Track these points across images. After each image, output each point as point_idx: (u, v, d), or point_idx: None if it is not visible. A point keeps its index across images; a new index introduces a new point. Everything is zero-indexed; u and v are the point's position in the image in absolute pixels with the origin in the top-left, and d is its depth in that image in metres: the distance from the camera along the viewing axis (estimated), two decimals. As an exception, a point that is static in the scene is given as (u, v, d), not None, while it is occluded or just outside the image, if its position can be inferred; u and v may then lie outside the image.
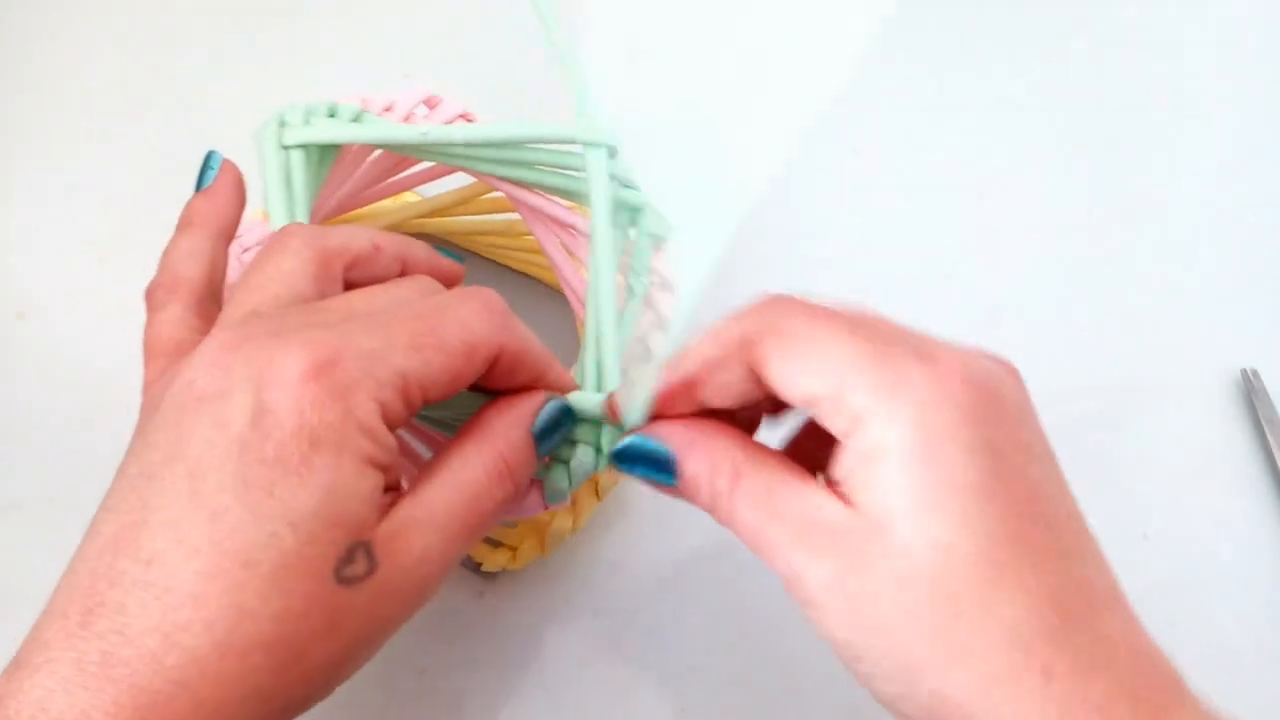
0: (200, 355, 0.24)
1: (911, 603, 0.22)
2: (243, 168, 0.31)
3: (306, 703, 0.23)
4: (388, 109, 0.34)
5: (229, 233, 0.29)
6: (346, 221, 0.41)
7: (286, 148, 0.31)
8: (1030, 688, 0.21)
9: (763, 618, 0.37)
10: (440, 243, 0.42)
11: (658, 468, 0.26)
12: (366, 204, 0.39)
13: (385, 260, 0.28)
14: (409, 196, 0.42)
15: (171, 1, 0.52)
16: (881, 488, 0.22)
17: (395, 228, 0.43)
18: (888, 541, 0.22)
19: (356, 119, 0.33)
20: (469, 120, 0.34)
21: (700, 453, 0.25)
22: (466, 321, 0.25)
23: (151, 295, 0.28)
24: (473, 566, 0.36)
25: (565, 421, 0.28)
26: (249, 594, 0.21)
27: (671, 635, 0.37)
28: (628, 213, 0.33)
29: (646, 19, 0.35)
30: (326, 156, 0.33)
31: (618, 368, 0.30)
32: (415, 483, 0.25)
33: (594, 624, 0.37)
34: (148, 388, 0.26)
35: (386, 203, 0.42)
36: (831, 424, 0.23)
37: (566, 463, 0.29)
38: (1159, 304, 0.44)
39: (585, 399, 0.29)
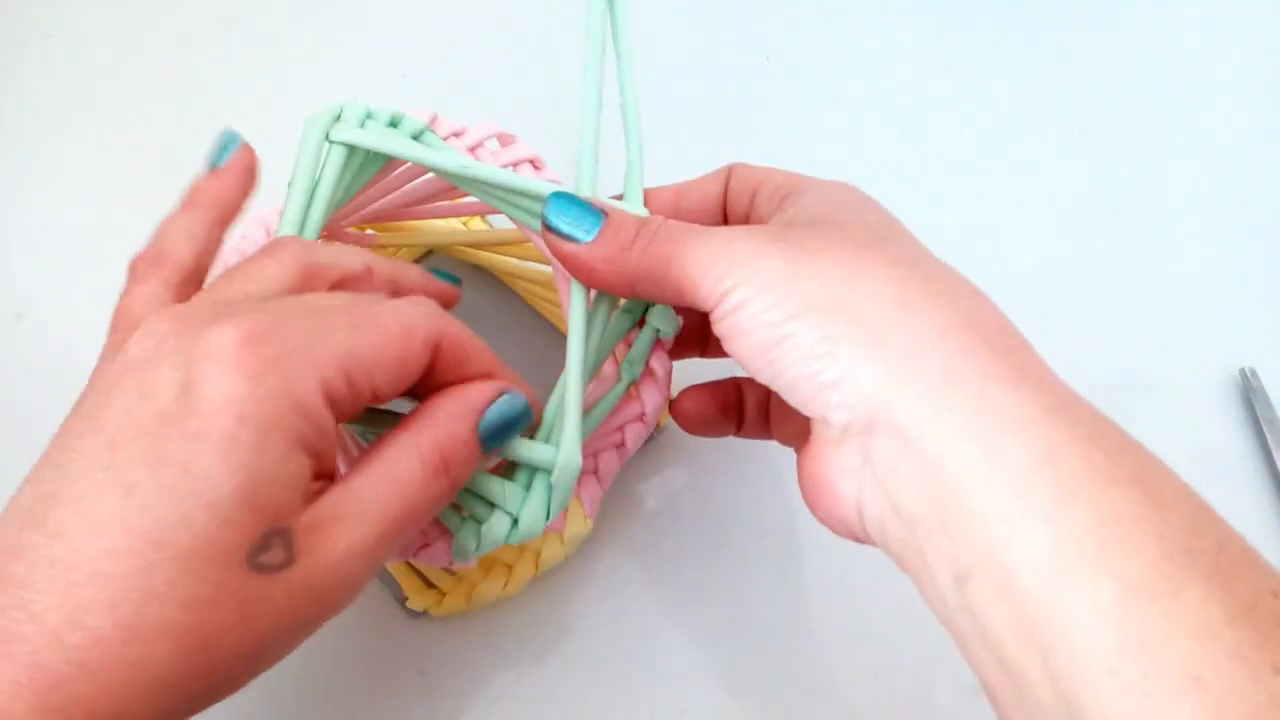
0: (142, 329, 0.23)
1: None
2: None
3: (213, 696, 0.22)
4: (457, 134, 0.33)
5: (229, 218, 0.29)
6: (389, 231, 0.41)
7: (331, 141, 0.31)
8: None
9: (763, 618, 0.37)
10: (458, 268, 0.42)
11: (586, 212, 0.28)
12: (415, 218, 0.38)
13: (377, 282, 0.28)
14: (459, 222, 0.42)
15: (172, 1, 0.52)
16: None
17: (441, 250, 0.43)
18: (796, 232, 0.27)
19: (416, 135, 0.32)
20: (537, 167, 0.34)
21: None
22: (401, 308, 0.25)
23: (135, 266, 0.27)
24: (399, 598, 0.36)
25: (519, 420, 0.27)
26: (157, 577, 0.20)
27: (672, 635, 0.37)
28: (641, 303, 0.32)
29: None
30: (372, 162, 0.32)
31: (577, 435, 0.29)
32: (348, 474, 0.24)
33: (594, 624, 0.37)
34: (103, 356, 0.25)
35: (437, 223, 0.42)
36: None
37: (480, 523, 0.29)
38: (1159, 304, 0.44)
39: (532, 448, 0.28)
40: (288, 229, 0.30)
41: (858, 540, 0.26)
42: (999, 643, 0.21)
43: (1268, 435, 0.40)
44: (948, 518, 0.22)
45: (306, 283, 0.26)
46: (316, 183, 0.31)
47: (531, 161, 0.34)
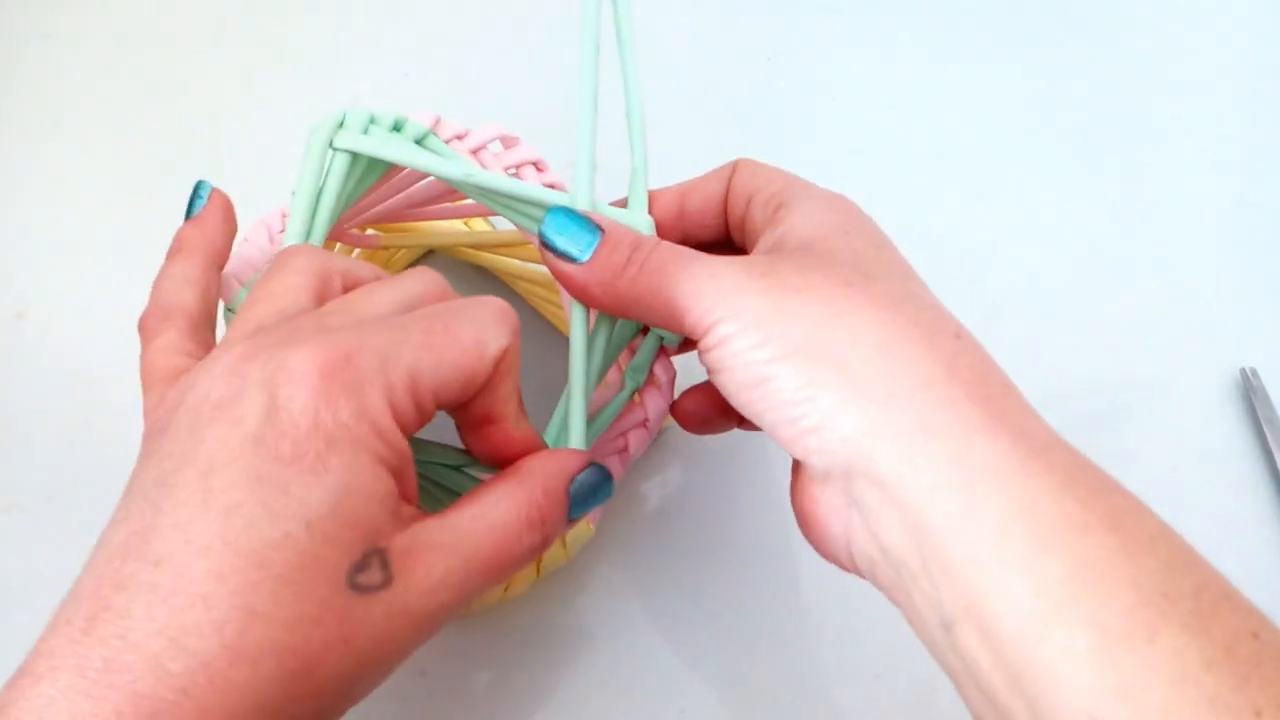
0: (213, 365, 0.23)
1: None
2: (243, 167, 0.31)
3: (318, 718, 0.22)
4: (460, 136, 0.33)
5: (220, 260, 0.29)
6: (394, 233, 0.41)
7: (334, 149, 0.31)
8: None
9: (763, 619, 0.37)
10: (460, 269, 0.42)
11: (584, 230, 0.28)
12: (417, 219, 0.38)
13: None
14: (461, 223, 0.42)
15: (172, 1, 0.52)
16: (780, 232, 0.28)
17: (443, 251, 0.43)
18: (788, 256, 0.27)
19: (419, 140, 0.32)
20: (539, 170, 0.34)
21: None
22: (478, 319, 0.25)
23: (144, 325, 0.27)
24: None
25: (604, 490, 0.27)
26: (262, 596, 0.20)
27: (671, 636, 0.37)
28: None
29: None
30: (375, 167, 0.32)
31: (582, 446, 0.29)
32: (447, 510, 0.24)
33: (595, 625, 0.37)
34: (149, 414, 0.25)
35: (439, 223, 0.42)
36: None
37: None
38: (1159, 304, 0.44)
39: None
40: (293, 238, 0.30)
41: (849, 573, 0.26)
42: (988, 686, 0.22)
43: (1268, 435, 0.40)
44: (930, 566, 0.23)
45: (326, 285, 0.26)
46: (320, 190, 0.31)
47: (535, 164, 0.34)
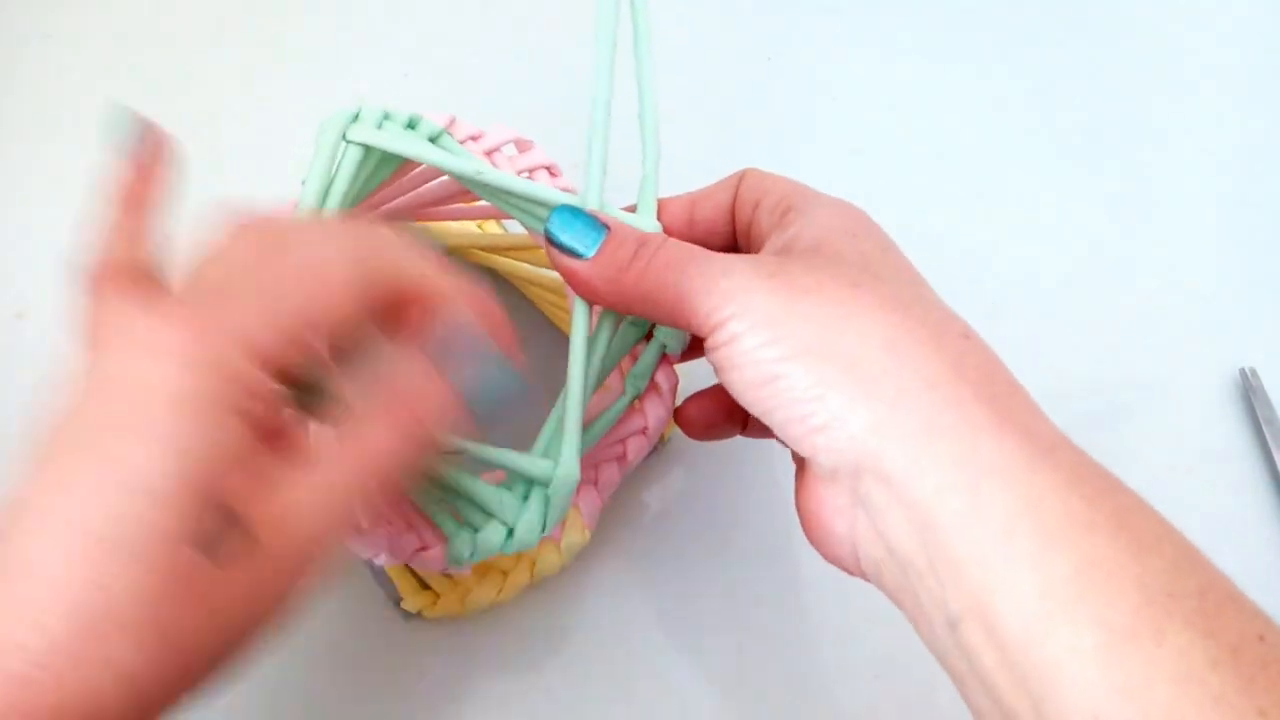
0: (83, 330, 0.23)
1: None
2: (243, 167, 0.30)
3: (191, 688, 0.22)
4: (474, 137, 0.33)
5: (148, 196, 0.28)
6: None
7: (347, 141, 0.31)
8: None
9: (762, 621, 0.37)
10: (470, 272, 0.42)
11: (589, 227, 0.28)
12: (430, 219, 0.39)
13: None
14: (473, 225, 0.42)
15: (171, 1, 0.52)
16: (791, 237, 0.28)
17: (456, 253, 0.43)
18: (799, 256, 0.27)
19: (433, 138, 0.32)
20: (553, 174, 0.34)
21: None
22: (316, 245, 0.24)
23: (97, 282, 0.26)
24: (394, 599, 0.36)
25: (501, 382, 0.26)
26: (106, 571, 0.20)
27: (670, 637, 0.37)
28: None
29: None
30: (387, 163, 0.32)
31: (576, 450, 0.29)
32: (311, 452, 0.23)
33: (592, 629, 0.37)
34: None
35: (451, 225, 0.42)
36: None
37: (475, 531, 0.29)
38: (1159, 304, 0.44)
39: (531, 462, 0.29)
40: None
41: (853, 575, 0.26)
42: (993, 686, 0.22)
43: (1268, 435, 0.40)
44: (936, 564, 0.23)
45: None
46: (331, 181, 0.31)
47: (548, 168, 0.34)
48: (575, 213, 0.29)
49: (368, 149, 0.31)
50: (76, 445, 0.21)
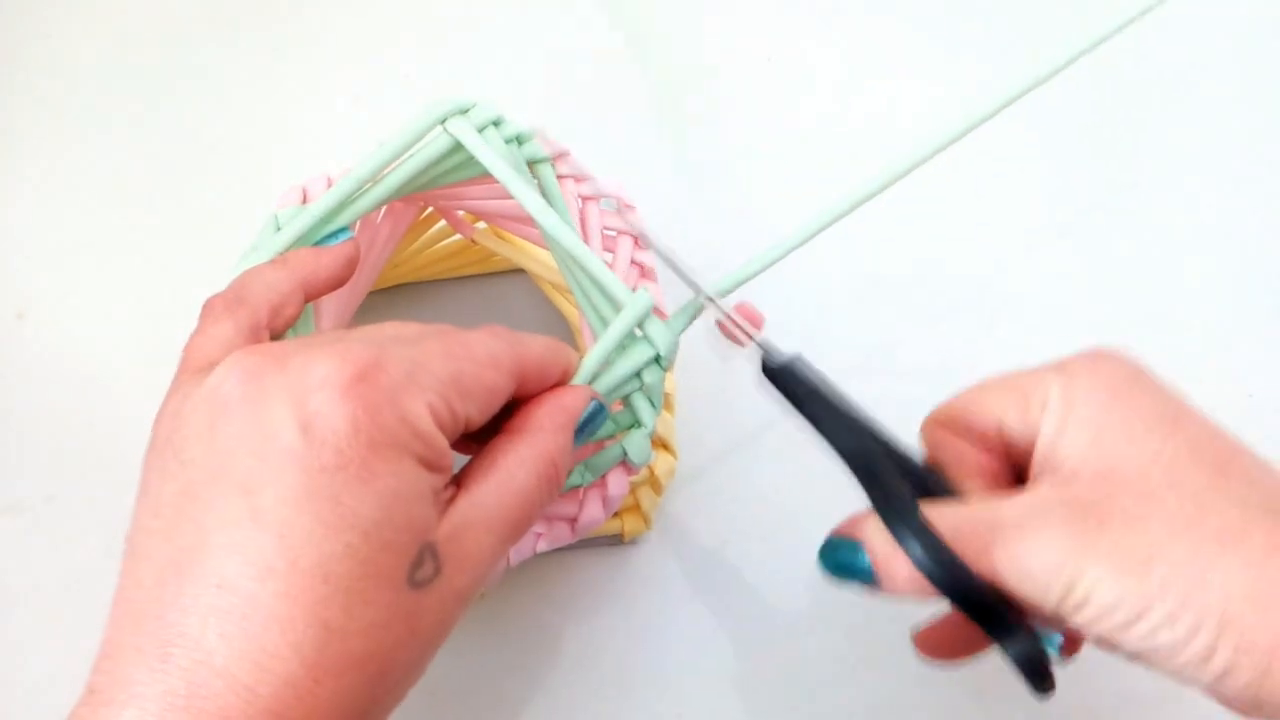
0: (226, 364, 0.23)
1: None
2: (243, 167, 0.30)
3: (387, 713, 0.23)
4: (578, 179, 0.32)
5: (314, 291, 0.29)
6: (494, 238, 0.40)
7: (445, 128, 0.30)
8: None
9: (764, 618, 0.37)
10: (533, 297, 0.42)
11: (854, 562, 0.26)
12: (514, 232, 0.38)
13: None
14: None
15: (171, 2, 0.52)
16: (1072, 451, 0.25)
17: (534, 279, 0.42)
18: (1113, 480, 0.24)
19: (533, 162, 0.32)
20: (638, 246, 0.32)
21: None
22: (487, 341, 0.26)
23: (210, 307, 0.27)
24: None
25: (599, 418, 0.28)
26: (333, 610, 0.21)
27: (669, 637, 0.37)
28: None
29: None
30: (469, 166, 0.31)
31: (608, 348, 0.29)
32: (466, 481, 0.25)
33: (593, 624, 0.37)
34: (168, 398, 0.25)
35: (532, 247, 0.40)
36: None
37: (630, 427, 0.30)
38: (1159, 307, 0.44)
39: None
40: (350, 182, 0.30)
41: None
42: None
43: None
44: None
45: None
46: (407, 155, 0.30)
47: (635, 238, 0.32)
48: (832, 557, 0.26)
49: (459, 145, 0.31)
50: (275, 486, 0.21)
